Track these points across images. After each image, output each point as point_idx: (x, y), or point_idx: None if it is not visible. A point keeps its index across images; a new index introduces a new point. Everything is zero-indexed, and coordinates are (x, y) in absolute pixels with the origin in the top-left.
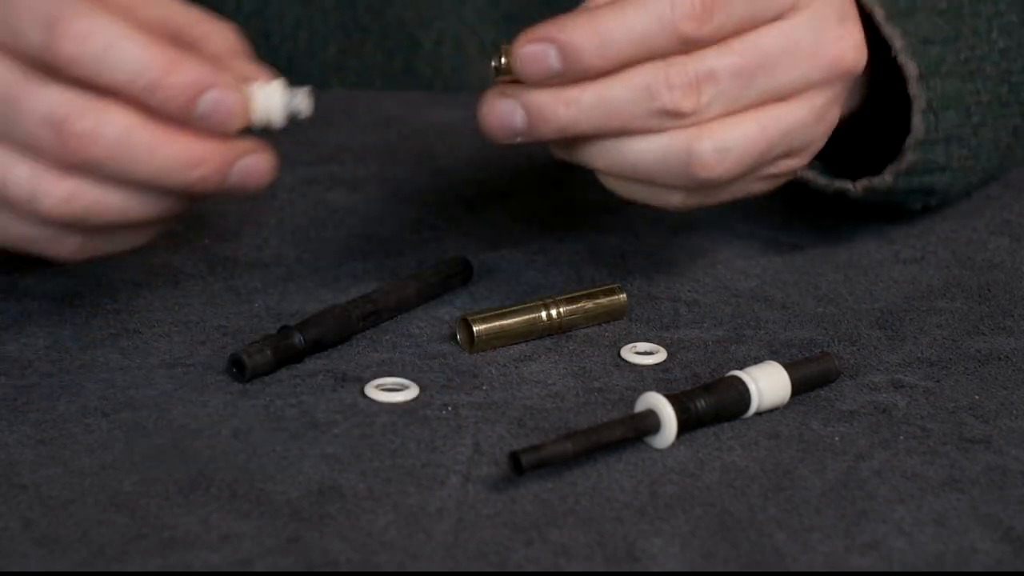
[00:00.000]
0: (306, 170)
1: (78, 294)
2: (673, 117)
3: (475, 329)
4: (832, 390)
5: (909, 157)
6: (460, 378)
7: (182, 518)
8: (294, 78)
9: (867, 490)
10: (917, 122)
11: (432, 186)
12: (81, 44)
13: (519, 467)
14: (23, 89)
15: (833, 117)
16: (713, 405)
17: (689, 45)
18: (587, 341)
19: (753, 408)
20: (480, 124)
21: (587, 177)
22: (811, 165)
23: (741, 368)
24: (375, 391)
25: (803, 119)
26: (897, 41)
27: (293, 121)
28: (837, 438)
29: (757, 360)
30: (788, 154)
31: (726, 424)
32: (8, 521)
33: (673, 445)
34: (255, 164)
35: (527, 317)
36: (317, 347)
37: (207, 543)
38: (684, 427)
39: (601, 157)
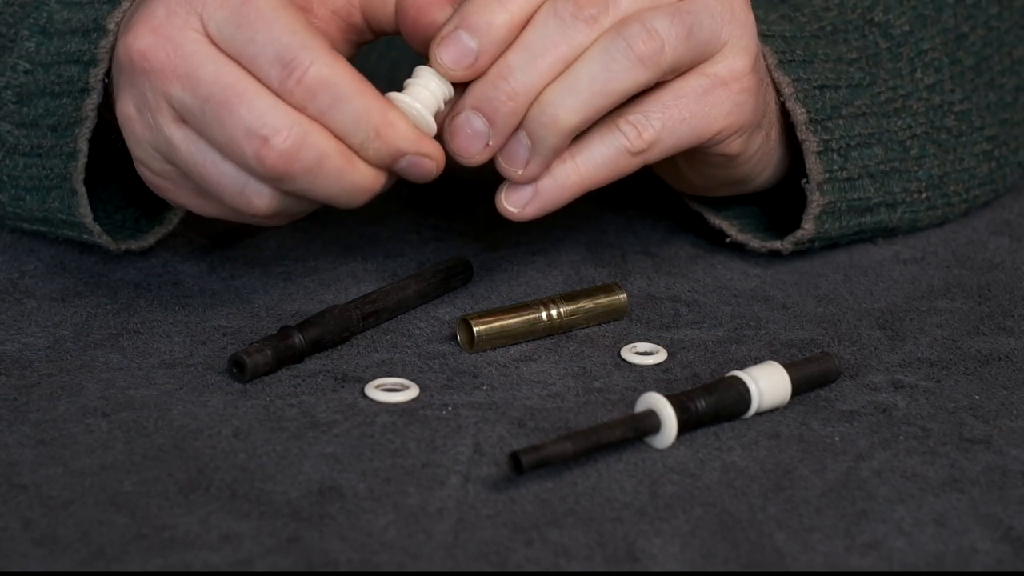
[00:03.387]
0: None
1: (78, 294)
2: (593, 23)
3: (475, 329)
4: (832, 390)
5: (817, 199)
6: (460, 378)
7: (182, 518)
8: None
9: (867, 490)
10: (813, 163)
11: (432, 186)
12: (315, 93)
13: (519, 467)
14: (238, 95)
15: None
16: (713, 405)
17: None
18: (587, 341)
19: (753, 408)
20: (452, 151)
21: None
22: (746, 228)
23: (741, 368)
24: (375, 391)
25: (713, 2)
26: (786, 88)
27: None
28: (837, 438)
29: (757, 360)
30: (714, 47)
31: (726, 424)
32: (8, 521)
33: (673, 445)
34: (415, 166)
35: (527, 317)
36: (317, 347)
37: (207, 543)
38: (684, 427)
39: (560, 104)
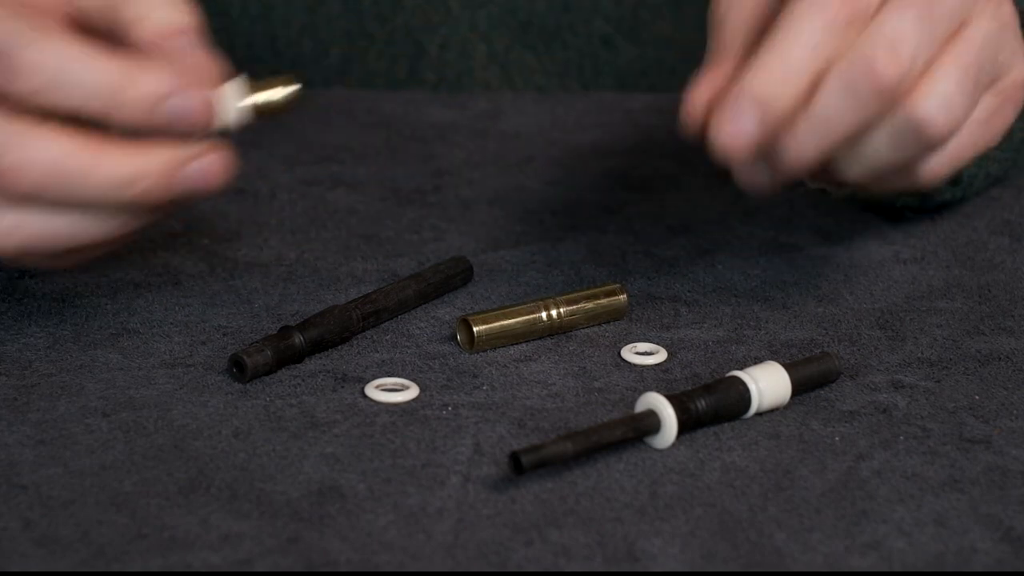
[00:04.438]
0: (306, 170)
1: (78, 294)
2: (888, 94)
3: (475, 329)
4: (832, 390)
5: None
6: (460, 378)
7: (182, 518)
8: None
9: (867, 490)
10: None
11: (432, 186)
12: (35, 76)
13: (519, 467)
14: None
15: (1008, 11)
16: (713, 405)
17: (858, 23)
18: (587, 341)
19: (753, 408)
20: (717, 152)
21: (587, 177)
22: None
23: (741, 368)
24: (375, 391)
25: (988, 29)
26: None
27: (273, 117)
28: (837, 438)
29: (757, 360)
30: (1000, 69)
31: (726, 424)
32: (8, 521)
33: (673, 445)
34: (204, 167)
35: (527, 317)
36: (317, 347)
37: (207, 543)
38: (684, 427)
39: (846, 172)
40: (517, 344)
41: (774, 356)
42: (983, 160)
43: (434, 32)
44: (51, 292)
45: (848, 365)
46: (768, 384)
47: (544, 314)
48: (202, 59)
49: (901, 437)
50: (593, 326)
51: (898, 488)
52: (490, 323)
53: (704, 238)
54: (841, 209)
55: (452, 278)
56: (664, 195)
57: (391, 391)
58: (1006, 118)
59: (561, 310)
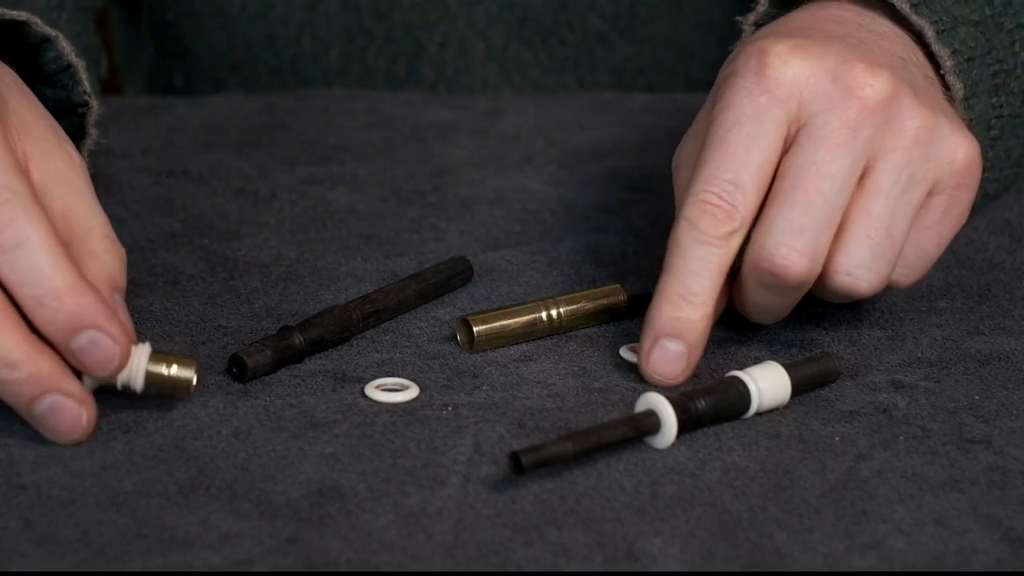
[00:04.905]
0: (306, 170)
1: None
2: (805, 281)
3: (475, 329)
4: (832, 390)
5: None
6: (460, 378)
7: (182, 518)
8: (297, 82)
9: (867, 490)
10: None
11: (432, 186)
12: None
13: (519, 467)
14: None
15: (928, 111)
16: (713, 405)
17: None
18: (587, 341)
19: (753, 408)
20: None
21: (587, 177)
22: None
23: (741, 368)
24: (375, 391)
25: (896, 162)
26: (947, 61)
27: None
28: (837, 438)
29: (757, 360)
30: (930, 174)
31: (726, 424)
32: (8, 521)
33: (673, 445)
34: (64, 408)
35: (527, 317)
36: (317, 347)
37: (207, 543)
38: (684, 427)
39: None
40: (517, 344)
41: (774, 356)
42: (981, 183)
43: (432, 30)
44: None
45: (848, 365)
46: (768, 384)
47: (544, 314)
48: (130, 326)
49: (901, 437)
50: (593, 326)
51: (898, 488)
52: (490, 323)
53: None
54: None
55: (452, 278)
56: (664, 195)
57: (391, 391)
58: (964, 202)
59: (561, 310)
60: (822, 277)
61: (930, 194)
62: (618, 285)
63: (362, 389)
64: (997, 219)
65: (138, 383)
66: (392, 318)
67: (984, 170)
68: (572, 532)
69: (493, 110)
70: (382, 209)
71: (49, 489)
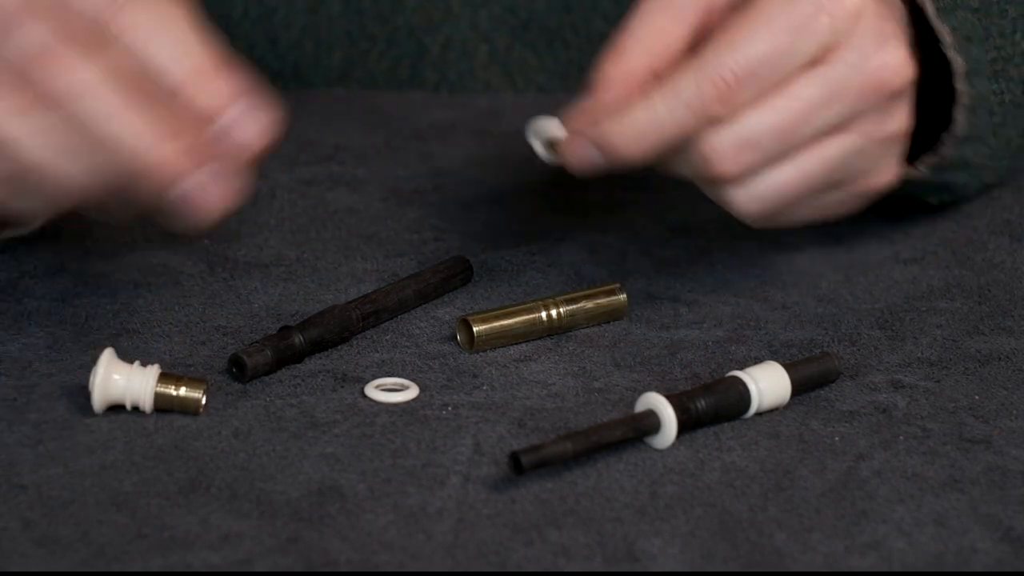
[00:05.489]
0: (306, 170)
1: (78, 294)
2: (720, 181)
3: (475, 329)
4: (832, 390)
5: (946, 151)
6: (460, 378)
7: (182, 518)
8: (299, 85)
9: (867, 490)
10: (960, 118)
11: (432, 186)
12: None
13: (519, 467)
14: (18, 19)
15: (894, 130)
16: (713, 405)
17: (723, 119)
18: (587, 341)
19: (753, 408)
20: (565, 161)
21: (587, 177)
22: None
23: (741, 368)
24: (375, 391)
25: (853, 147)
26: (947, 36)
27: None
28: (837, 438)
29: (757, 360)
30: (852, 179)
31: (726, 424)
32: (8, 521)
33: (673, 445)
34: (210, 187)
35: (527, 317)
36: (317, 347)
37: (207, 543)
38: (684, 427)
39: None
40: (517, 344)
41: (774, 356)
42: (978, 170)
43: (436, 32)
44: (51, 292)
45: (848, 365)
46: (768, 384)
47: (544, 314)
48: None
49: (901, 437)
50: (593, 326)
51: (898, 488)
52: (490, 323)
53: (704, 238)
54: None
55: (452, 278)
56: (664, 195)
57: (391, 391)
58: (846, 210)
59: (561, 310)
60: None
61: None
62: (618, 285)
63: (362, 389)
64: (997, 219)
65: (147, 405)
66: (392, 318)
67: (986, 158)
68: (572, 532)
69: (494, 110)
70: (382, 209)
71: (49, 489)
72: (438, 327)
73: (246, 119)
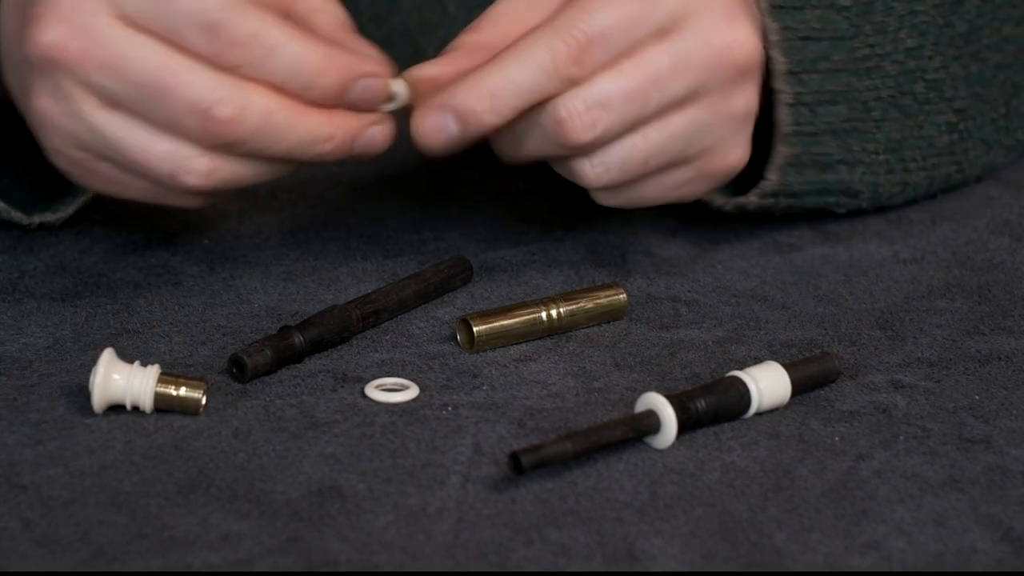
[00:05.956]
0: (306, 170)
1: (78, 294)
2: (573, 148)
3: (475, 329)
4: (832, 390)
5: (782, 150)
6: (460, 378)
7: (182, 518)
8: None
9: (867, 490)
10: (783, 116)
11: (432, 186)
12: (247, 49)
13: (519, 467)
14: (172, 75)
15: (742, 108)
16: (713, 405)
17: (577, 81)
18: (587, 341)
19: (753, 408)
20: (416, 141)
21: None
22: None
23: (741, 368)
24: (375, 391)
25: (701, 121)
26: (773, 35)
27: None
28: (837, 438)
29: (757, 360)
30: (699, 156)
31: (726, 424)
32: (8, 521)
33: (673, 445)
34: (378, 134)
35: (527, 317)
36: (317, 347)
37: (207, 543)
38: (684, 427)
39: (506, 153)
40: (517, 344)
41: (774, 356)
42: (886, 167)
43: (431, 33)
44: (51, 292)
45: (848, 365)
46: (768, 384)
47: (544, 314)
48: (368, 48)
49: (901, 437)
50: (593, 326)
51: (898, 488)
52: (490, 323)
53: (704, 238)
54: (837, 213)
55: (452, 278)
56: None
57: (391, 391)
58: (696, 190)
59: (561, 310)
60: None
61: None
62: (618, 285)
63: (362, 389)
64: (997, 219)
65: (147, 404)
66: (392, 318)
67: (878, 152)
68: (572, 532)
69: None
70: (382, 209)
71: (49, 489)
72: (438, 327)
73: (367, 91)
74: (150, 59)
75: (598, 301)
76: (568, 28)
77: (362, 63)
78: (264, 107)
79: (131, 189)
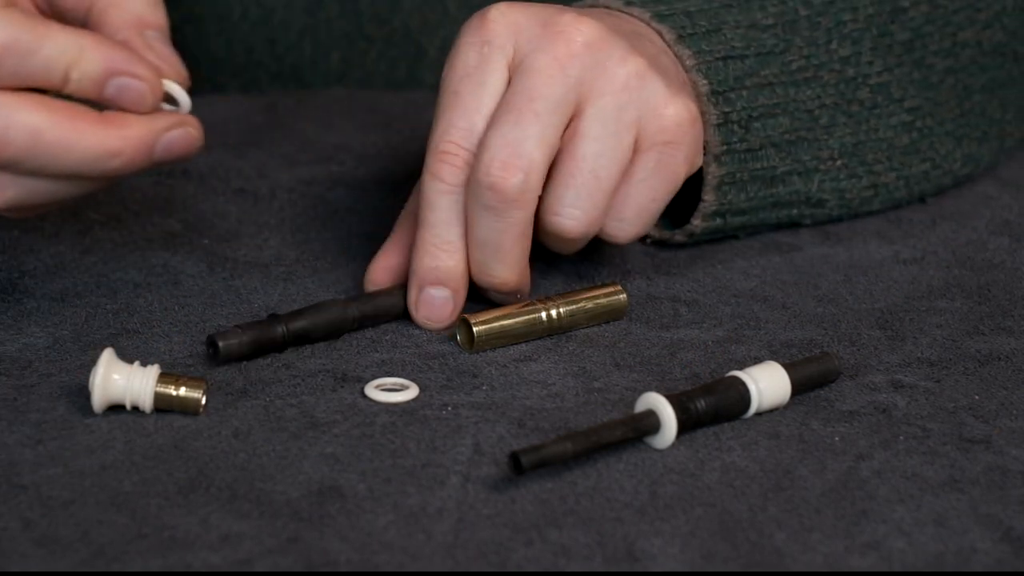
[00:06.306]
0: (306, 170)
1: (78, 294)
2: (518, 198)
3: (475, 329)
4: (832, 390)
5: (714, 171)
6: (460, 378)
7: (182, 518)
8: (298, 87)
9: (867, 490)
10: (711, 135)
11: None
12: (4, 57)
13: (519, 467)
14: None
15: (641, 67)
16: (713, 405)
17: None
18: (587, 341)
19: (753, 408)
20: (420, 319)
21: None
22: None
23: (741, 368)
24: (375, 391)
25: (603, 107)
26: (687, 60)
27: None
28: (837, 438)
29: (757, 360)
30: (638, 125)
31: (726, 424)
32: (8, 521)
33: (673, 445)
34: (177, 139)
35: (527, 317)
36: (302, 339)
37: (207, 543)
38: (684, 427)
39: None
40: (517, 344)
41: (774, 356)
42: (848, 171)
43: (433, 33)
44: (51, 292)
45: (848, 365)
46: (768, 384)
47: (544, 314)
48: (168, 53)
49: (901, 437)
50: (593, 326)
51: (898, 488)
52: (490, 323)
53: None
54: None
55: None
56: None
57: (391, 391)
58: (675, 157)
59: (561, 310)
60: (537, 218)
61: (640, 149)
62: (618, 285)
63: (362, 389)
64: (997, 219)
65: (147, 404)
66: (389, 322)
67: (835, 158)
68: (572, 532)
69: None
70: (382, 209)
71: (49, 489)
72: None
73: (121, 92)
74: None
75: (598, 301)
76: (436, 145)
77: (119, 60)
78: (30, 124)
79: None
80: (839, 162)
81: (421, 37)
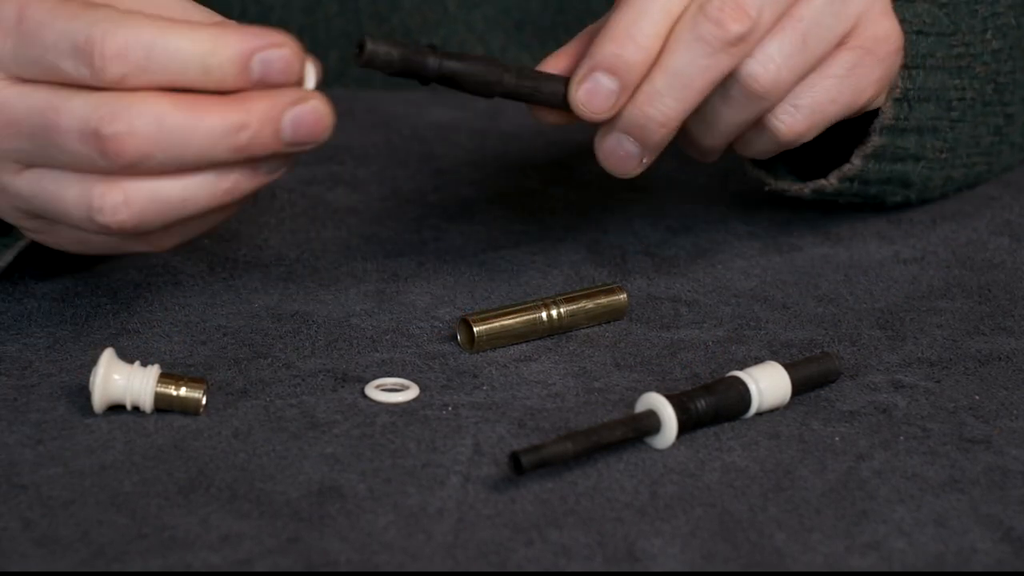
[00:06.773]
0: (306, 170)
1: (78, 294)
2: (737, 47)
3: (475, 329)
4: (832, 390)
5: (875, 140)
6: (460, 378)
7: (182, 518)
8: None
9: (867, 490)
10: (887, 107)
11: (432, 186)
12: (124, 60)
13: (519, 467)
14: (55, 111)
15: (887, 47)
16: (713, 405)
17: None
18: (587, 341)
19: (753, 408)
20: (605, 168)
21: (587, 177)
22: (781, 175)
23: (741, 368)
24: (375, 391)
25: (855, 61)
26: None
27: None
28: (837, 438)
29: (757, 360)
30: (845, 23)
31: (726, 424)
32: (8, 521)
33: (673, 445)
34: (308, 112)
35: (527, 317)
36: (449, 81)
37: (207, 543)
38: (684, 427)
39: (702, 140)
40: (517, 344)
41: (774, 356)
42: (942, 164)
43: (431, 33)
44: (51, 292)
45: (848, 365)
46: (768, 384)
47: (544, 314)
48: (268, 29)
49: (901, 437)
50: (593, 326)
51: (898, 488)
52: (490, 323)
53: (704, 238)
54: (841, 209)
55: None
56: (664, 195)
57: (391, 391)
58: (869, 72)
59: (561, 310)
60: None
61: (844, 45)
62: (618, 285)
63: (362, 389)
64: (997, 219)
65: (147, 404)
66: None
67: (943, 151)
68: (572, 532)
69: (493, 111)
70: (382, 209)
71: (49, 489)
72: (438, 327)
73: (267, 66)
74: (34, 103)
75: (598, 301)
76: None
77: (255, 36)
78: (154, 111)
79: (85, 244)
80: (944, 155)
81: (420, 36)
